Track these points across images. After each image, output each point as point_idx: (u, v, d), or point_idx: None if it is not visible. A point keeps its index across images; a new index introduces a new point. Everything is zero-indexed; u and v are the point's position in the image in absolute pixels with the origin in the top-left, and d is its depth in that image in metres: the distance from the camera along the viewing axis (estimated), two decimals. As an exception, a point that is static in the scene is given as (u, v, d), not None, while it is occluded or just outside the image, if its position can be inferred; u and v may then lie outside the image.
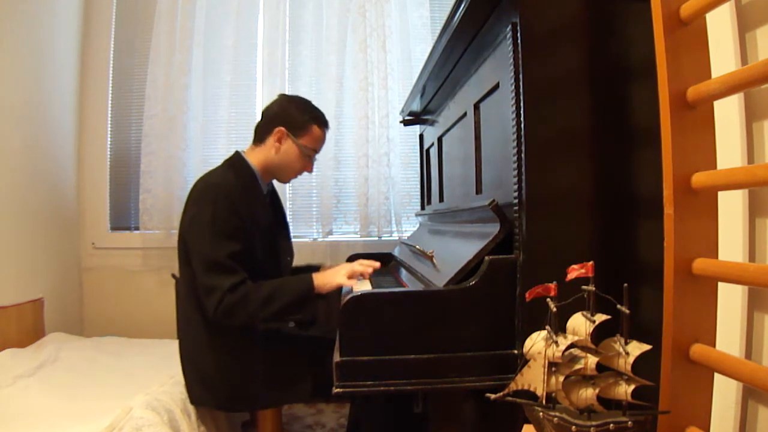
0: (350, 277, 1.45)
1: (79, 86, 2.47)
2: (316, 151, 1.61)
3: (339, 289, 1.61)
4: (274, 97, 1.66)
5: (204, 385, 1.48)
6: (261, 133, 1.58)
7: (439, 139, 1.73)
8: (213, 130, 2.42)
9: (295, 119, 1.55)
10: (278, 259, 1.62)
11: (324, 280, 1.43)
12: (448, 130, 1.58)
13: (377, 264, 1.54)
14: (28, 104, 2.13)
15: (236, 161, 1.56)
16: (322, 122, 1.60)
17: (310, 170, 1.63)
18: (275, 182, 1.70)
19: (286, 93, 1.66)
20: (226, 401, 1.49)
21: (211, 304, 1.37)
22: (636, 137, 0.98)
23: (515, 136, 0.97)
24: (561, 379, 0.73)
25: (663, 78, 0.81)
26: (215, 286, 1.36)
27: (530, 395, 0.75)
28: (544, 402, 0.74)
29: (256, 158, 1.57)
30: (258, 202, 1.54)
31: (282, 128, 1.53)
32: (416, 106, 1.93)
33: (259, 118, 1.63)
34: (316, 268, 1.74)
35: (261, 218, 1.53)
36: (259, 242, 1.49)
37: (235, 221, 1.41)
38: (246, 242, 1.43)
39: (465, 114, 1.35)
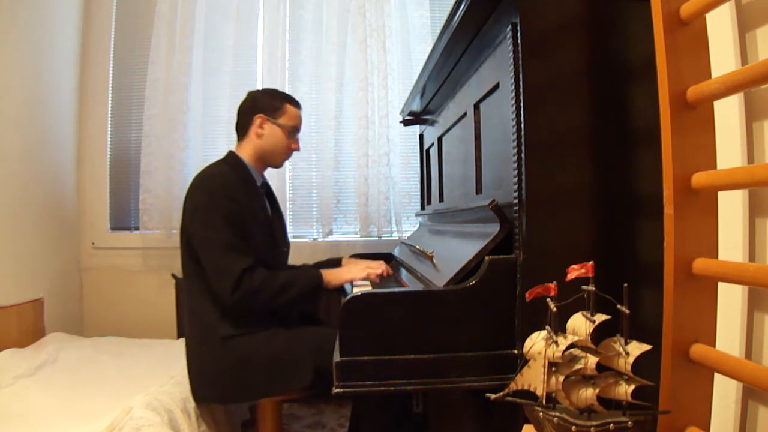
0: (365, 277, 1.53)
1: (79, 86, 2.47)
2: (297, 128, 1.66)
3: (341, 287, 1.62)
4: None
5: (209, 381, 1.48)
6: (242, 128, 1.65)
7: (439, 139, 1.73)
8: (213, 130, 2.42)
9: (269, 103, 1.62)
10: (276, 249, 1.66)
11: (334, 275, 1.53)
12: (448, 130, 1.58)
13: (386, 269, 1.60)
14: (28, 104, 2.13)
15: (229, 157, 1.61)
16: (294, 102, 1.67)
17: (297, 148, 1.68)
18: (273, 182, 1.71)
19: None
20: (230, 395, 1.50)
21: (227, 286, 1.39)
22: (636, 137, 0.98)
23: (515, 136, 0.97)
24: (561, 379, 0.73)
25: (663, 78, 0.81)
26: (230, 267, 1.40)
27: (530, 395, 0.75)
28: (544, 402, 0.74)
29: (245, 152, 1.62)
30: (254, 193, 1.59)
31: (260, 114, 1.60)
32: (416, 106, 1.93)
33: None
34: (338, 261, 1.79)
35: (258, 209, 1.58)
36: (258, 232, 1.53)
37: (235, 206, 1.46)
38: (246, 230, 1.47)
39: (465, 114, 1.35)
